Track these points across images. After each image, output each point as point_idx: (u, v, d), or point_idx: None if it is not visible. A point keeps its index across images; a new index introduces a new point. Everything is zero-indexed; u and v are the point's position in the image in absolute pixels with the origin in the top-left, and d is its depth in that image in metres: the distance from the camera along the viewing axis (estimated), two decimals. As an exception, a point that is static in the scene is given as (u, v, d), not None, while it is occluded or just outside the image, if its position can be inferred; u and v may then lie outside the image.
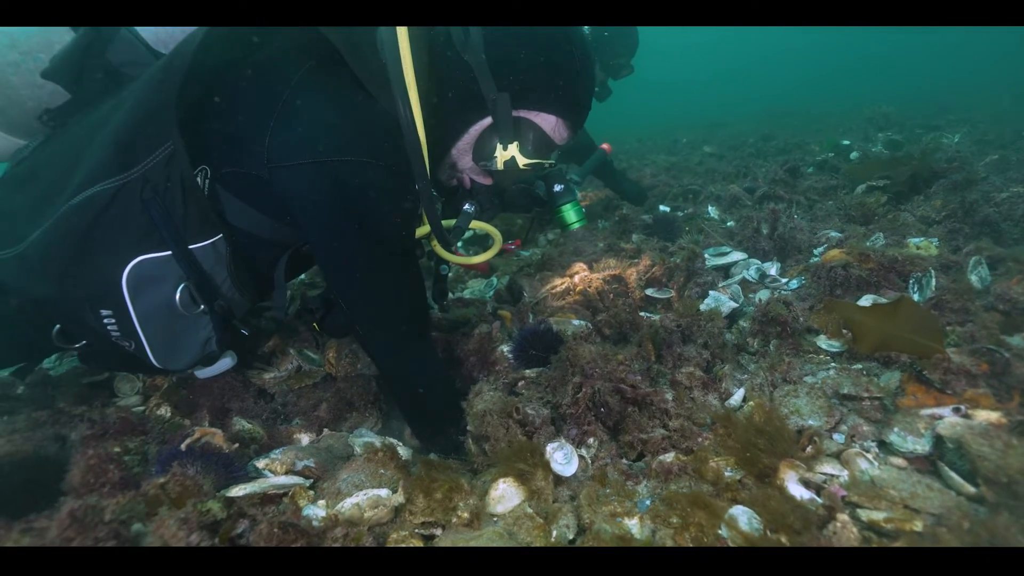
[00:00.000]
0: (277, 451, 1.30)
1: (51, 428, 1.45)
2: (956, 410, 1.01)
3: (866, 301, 1.46)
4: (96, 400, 1.61)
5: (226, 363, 1.41)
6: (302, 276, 1.86)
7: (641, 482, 1.03)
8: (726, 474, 1.01)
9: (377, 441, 1.36)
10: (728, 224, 2.55)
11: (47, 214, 1.15)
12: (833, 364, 1.33)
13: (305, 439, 1.51)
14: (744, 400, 1.23)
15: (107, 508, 0.92)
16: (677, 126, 11.07)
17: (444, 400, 1.35)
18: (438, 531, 0.97)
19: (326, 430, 1.54)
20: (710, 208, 2.93)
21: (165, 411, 1.55)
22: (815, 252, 1.94)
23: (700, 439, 1.10)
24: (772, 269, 1.87)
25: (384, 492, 1.04)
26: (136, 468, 1.27)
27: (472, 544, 0.91)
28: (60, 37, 1.24)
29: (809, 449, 1.04)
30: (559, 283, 2.17)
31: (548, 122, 1.33)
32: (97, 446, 1.17)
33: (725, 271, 1.98)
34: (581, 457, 1.12)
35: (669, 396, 1.18)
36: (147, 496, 0.99)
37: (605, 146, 3.09)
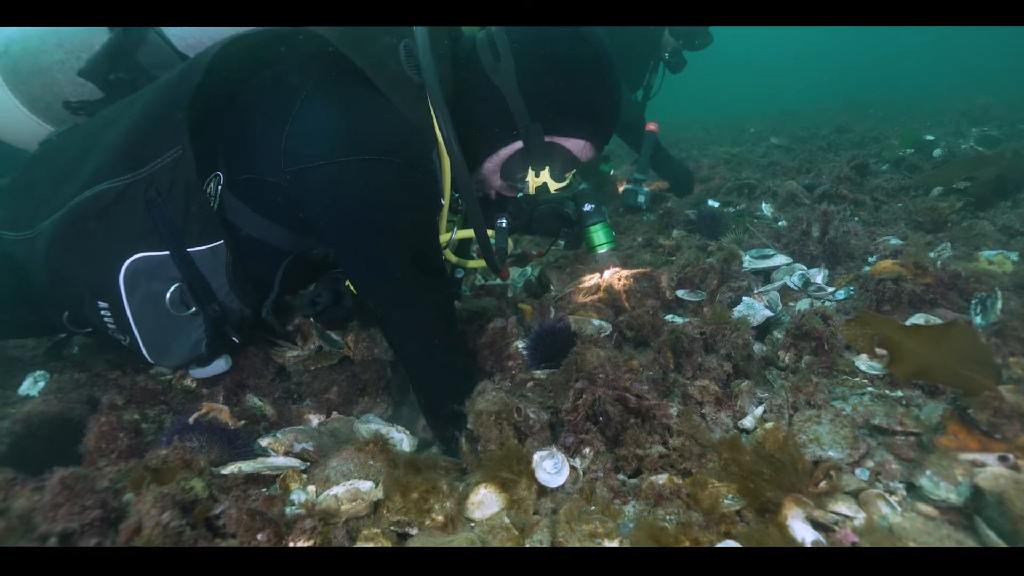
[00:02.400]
0: (280, 431, 1.33)
1: (87, 390, 1.54)
2: (1003, 459, 0.88)
3: (917, 321, 1.30)
4: (129, 366, 1.70)
5: (220, 366, 1.44)
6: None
7: (629, 502, 0.97)
8: (724, 502, 0.93)
9: (372, 430, 1.35)
10: (780, 224, 2.37)
11: (56, 201, 1.20)
12: (870, 389, 1.19)
13: (315, 420, 1.54)
14: (761, 421, 1.13)
15: (99, 478, 0.96)
16: (748, 114, 10.47)
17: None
18: (413, 531, 0.95)
19: (335, 413, 1.56)
20: (764, 205, 2.73)
21: (191, 382, 1.62)
22: (870, 260, 1.76)
23: (703, 460, 1.02)
24: (818, 277, 1.71)
25: (367, 485, 1.03)
26: (150, 437, 1.33)
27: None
28: (100, 38, 1.29)
29: (823, 484, 0.94)
30: (588, 278, 2.09)
31: (577, 145, 1.36)
32: (111, 413, 1.22)
33: (766, 276, 1.83)
34: (573, 468, 1.06)
35: (674, 411, 1.10)
36: (143, 467, 1.02)
37: (652, 126, 2.95)
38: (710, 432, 1.14)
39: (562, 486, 1.02)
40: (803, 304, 1.60)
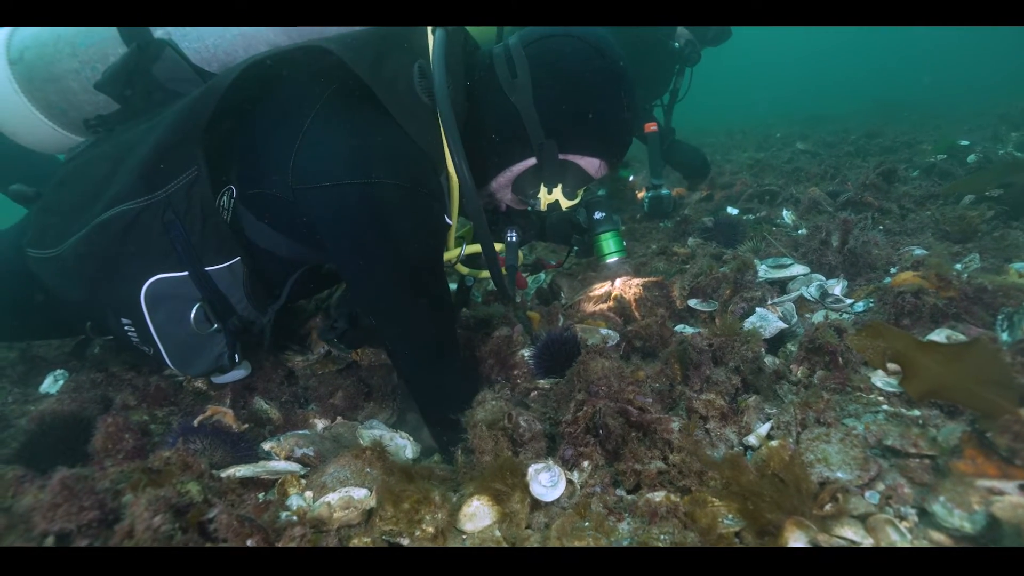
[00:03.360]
0: (281, 436, 1.33)
1: (102, 390, 1.58)
2: (1023, 488, 0.82)
3: (938, 336, 1.24)
4: (145, 366, 1.74)
5: (239, 373, 1.47)
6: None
7: (625, 519, 0.94)
8: (723, 523, 0.89)
9: (374, 436, 1.35)
10: (800, 232, 2.30)
11: (81, 221, 1.23)
12: (885, 407, 1.14)
13: (320, 425, 1.55)
14: (766, 439, 1.09)
15: (101, 479, 0.97)
16: (775, 119, 10.25)
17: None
18: (405, 541, 0.94)
19: (340, 418, 1.56)
20: (785, 212, 2.66)
21: (201, 384, 1.64)
22: (891, 271, 1.69)
23: (703, 478, 0.98)
24: (836, 288, 1.65)
25: (361, 493, 1.02)
26: (157, 438, 1.35)
27: (429, 563, 0.87)
28: (115, 50, 1.32)
29: (829, 507, 0.89)
30: (599, 286, 2.07)
31: (592, 164, 1.35)
32: (118, 414, 1.25)
33: (782, 286, 1.78)
34: (570, 482, 1.04)
35: (676, 426, 1.07)
36: (143, 469, 1.03)
37: (652, 127, 2.91)
38: (713, 448, 1.11)
39: (557, 500, 1.00)
40: (820, 316, 1.55)
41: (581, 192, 1.43)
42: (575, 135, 1.28)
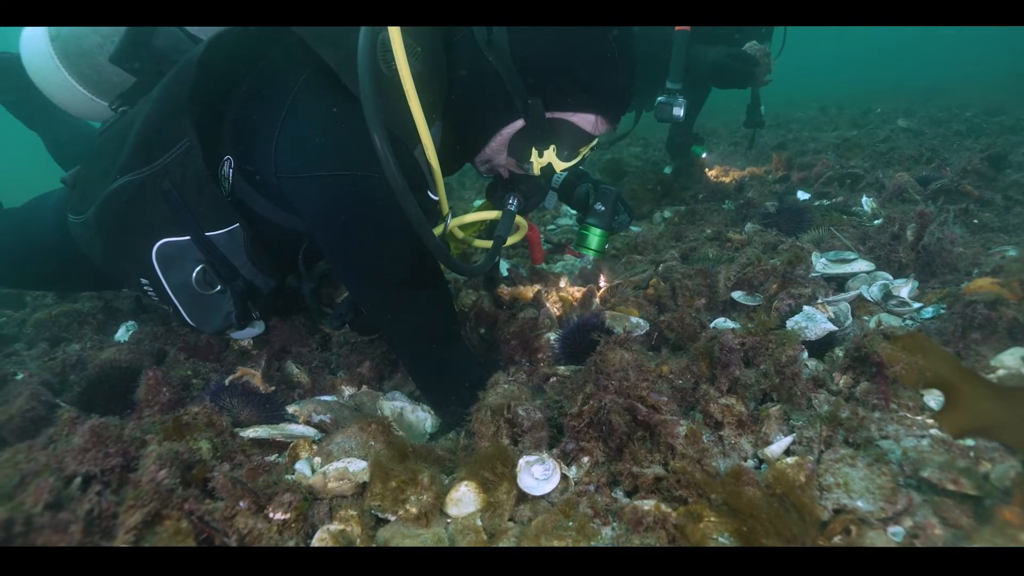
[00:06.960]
0: (303, 401, 1.40)
1: (160, 343, 1.72)
2: (1075, 546, 0.70)
3: (1012, 356, 1.07)
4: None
5: (252, 331, 1.54)
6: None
7: (611, 523, 0.90)
8: (715, 541, 0.83)
9: (394, 407, 1.38)
10: (876, 223, 2.07)
11: (102, 190, 1.32)
12: (933, 431, 1.01)
13: (347, 392, 1.61)
14: (785, 454, 1.00)
15: (134, 429, 1.06)
16: (881, 92, 9.21)
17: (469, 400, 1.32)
18: (390, 518, 0.96)
19: (365, 387, 1.61)
20: (865, 199, 2.39)
21: (247, 343, 1.75)
22: (974, 273, 1.48)
23: (703, 490, 0.92)
24: (904, 289, 1.47)
25: (359, 466, 1.05)
26: (195, 392, 1.46)
27: (407, 542, 0.88)
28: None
29: (838, 539, 0.81)
30: (640, 271, 1.98)
31: (587, 121, 1.25)
32: (159, 368, 1.35)
33: (841, 283, 1.61)
34: (565, 477, 1.01)
35: (682, 430, 1.00)
36: (172, 421, 1.11)
37: (685, 28, 2.57)
38: (725, 458, 1.04)
39: (548, 495, 0.97)
40: (877, 320, 1.39)
41: (584, 150, 1.32)
42: (560, 90, 1.19)
